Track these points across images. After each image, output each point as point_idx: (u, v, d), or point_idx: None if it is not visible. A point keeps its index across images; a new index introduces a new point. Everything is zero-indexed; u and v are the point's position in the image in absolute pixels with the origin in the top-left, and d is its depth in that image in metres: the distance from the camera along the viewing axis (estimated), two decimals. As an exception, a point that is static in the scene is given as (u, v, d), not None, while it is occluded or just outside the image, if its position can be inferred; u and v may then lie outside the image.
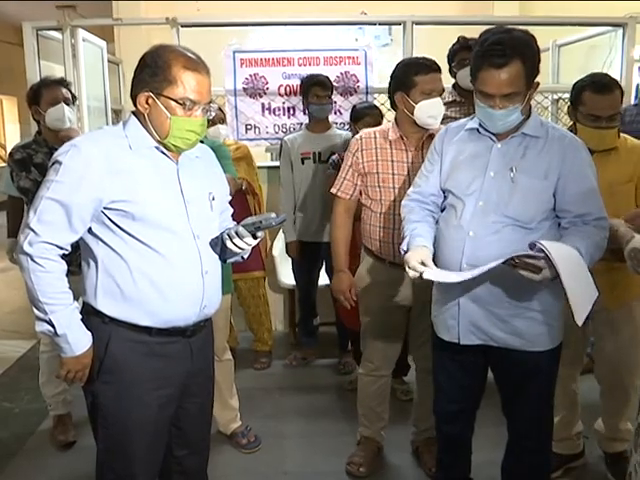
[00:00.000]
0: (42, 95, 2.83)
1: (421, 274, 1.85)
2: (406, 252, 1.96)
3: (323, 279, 3.83)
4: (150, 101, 1.66)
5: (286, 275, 4.02)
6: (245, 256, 1.94)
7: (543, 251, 1.73)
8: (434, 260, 1.95)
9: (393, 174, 2.46)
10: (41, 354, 3.03)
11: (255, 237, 1.77)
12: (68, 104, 2.85)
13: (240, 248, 1.78)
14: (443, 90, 2.41)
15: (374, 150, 2.50)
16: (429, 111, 2.37)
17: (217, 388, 2.86)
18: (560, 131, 1.98)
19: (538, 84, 1.89)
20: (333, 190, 2.61)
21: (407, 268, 1.90)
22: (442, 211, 2.09)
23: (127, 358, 1.73)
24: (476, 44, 1.86)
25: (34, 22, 3.92)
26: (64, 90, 2.87)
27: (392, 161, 2.47)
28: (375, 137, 2.52)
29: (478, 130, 1.98)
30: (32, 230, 1.61)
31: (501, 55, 1.77)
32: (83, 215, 1.63)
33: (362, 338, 2.74)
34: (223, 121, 3.66)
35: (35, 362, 3.16)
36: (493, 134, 1.94)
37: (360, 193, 2.57)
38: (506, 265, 1.78)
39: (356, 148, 2.54)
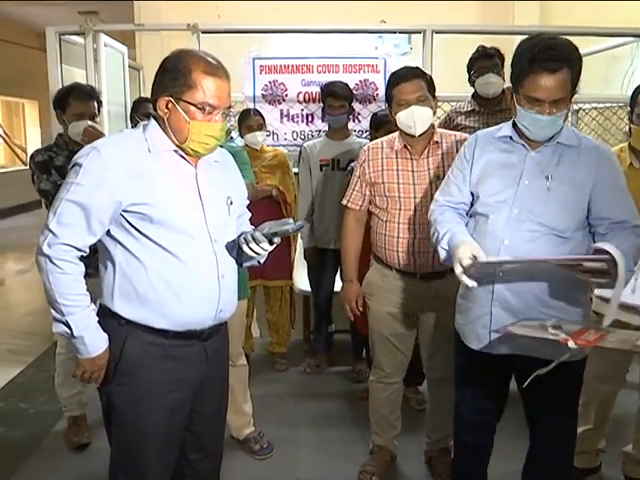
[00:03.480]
0: (70, 105, 2.84)
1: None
2: (447, 251, 1.95)
3: (339, 286, 3.81)
4: (170, 105, 1.67)
5: (302, 281, 4.02)
6: (261, 261, 1.94)
7: (609, 255, 1.69)
8: None
9: (398, 183, 2.46)
10: (57, 356, 3.04)
11: (271, 243, 1.78)
12: (93, 119, 2.86)
13: (256, 253, 1.78)
14: (423, 97, 2.37)
15: (380, 160, 2.51)
16: (405, 121, 2.39)
17: (231, 393, 2.87)
18: (592, 141, 1.99)
19: (576, 92, 1.89)
20: (343, 202, 2.64)
21: (458, 267, 1.84)
22: (471, 218, 2.07)
23: (142, 360, 1.73)
24: (520, 50, 1.85)
25: (57, 27, 3.97)
26: (92, 104, 2.88)
27: (397, 170, 2.47)
28: (382, 147, 2.53)
29: (511, 138, 1.96)
30: (51, 231, 1.63)
31: (555, 60, 1.77)
32: (102, 218, 1.64)
33: (370, 345, 2.74)
34: (262, 127, 3.69)
35: (51, 363, 3.19)
36: (527, 142, 1.93)
37: (370, 202, 2.58)
38: (560, 266, 1.76)
39: (363, 159, 2.55)
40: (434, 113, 2.44)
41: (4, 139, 10.30)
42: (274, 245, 1.80)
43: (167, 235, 1.68)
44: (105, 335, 1.72)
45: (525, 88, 1.84)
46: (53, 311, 1.68)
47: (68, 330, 1.67)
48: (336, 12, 5.18)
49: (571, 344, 1.69)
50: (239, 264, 1.91)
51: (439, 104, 4.19)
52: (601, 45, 4.65)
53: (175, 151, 1.73)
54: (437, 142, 2.46)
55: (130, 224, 1.67)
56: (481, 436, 2.23)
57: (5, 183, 10.03)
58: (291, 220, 1.76)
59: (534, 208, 1.90)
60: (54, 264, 1.63)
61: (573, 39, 1.87)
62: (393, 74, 2.48)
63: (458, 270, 1.85)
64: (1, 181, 10.31)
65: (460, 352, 2.16)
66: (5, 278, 6.96)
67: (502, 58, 3.45)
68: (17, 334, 4.70)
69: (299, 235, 3.89)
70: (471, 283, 1.84)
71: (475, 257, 1.82)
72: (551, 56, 1.77)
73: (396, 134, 2.51)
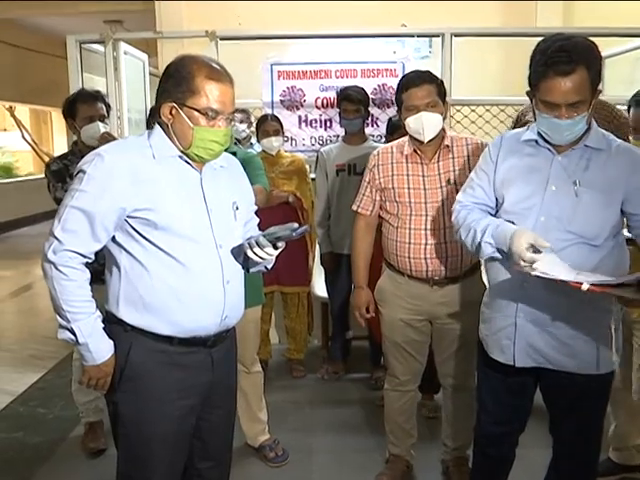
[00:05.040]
0: (78, 110, 2.88)
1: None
2: (492, 245, 1.86)
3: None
4: (174, 111, 1.67)
5: (320, 287, 4.00)
6: (269, 266, 1.92)
7: None
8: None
9: (408, 188, 2.42)
10: (74, 361, 3.06)
11: (276, 247, 1.76)
12: (103, 120, 2.90)
13: (261, 258, 1.76)
14: (433, 103, 2.34)
15: (390, 165, 2.47)
16: (414, 127, 2.35)
17: (246, 400, 2.89)
18: (625, 144, 1.89)
19: (600, 91, 1.80)
20: (354, 207, 2.61)
21: (522, 262, 1.73)
22: None
23: (147, 367, 1.72)
24: (535, 53, 1.78)
25: (77, 35, 4.01)
26: (100, 105, 2.92)
27: (407, 175, 2.44)
28: (392, 152, 2.50)
29: (536, 142, 1.88)
30: (56, 238, 1.63)
31: (567, 62, 1.69)
32: (106, 224, 1.64)
33: (384, 352, 2.70)
34: (278, 132, 3.68)
35: (71, 369, 3.20)
36: (552, 146, 1.85)
37: (380, 208, 2.55)
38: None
39: (373, 164, 2.52)
40: (444, 118, 2.40)
41: (33, 147, 10.47)
42: (279, 250, 1.78)
43: (171, 241, 1.67)
44: (111, 342, 1.72)
45: (541, 92, 1.76)
46: (58, 318, 1.68)
47: (73, 337, 1.67)
48: (355, 17, 5.15)
49: (584, 286, 1.59)
50: (246, 270, 1.89)
51: (459, 108, 4.19)
52: (627, 45, 4.55)
53: (180, 157, 1.72)
54: (448, 146, 2.42)
55: (135, 230, 1.66)
56: (503, 448, 2.17)
57: (34, 190, 10.19)
58: (296, 224, 1.73)
59: (562, 215, 1.82)
60: (59, 271, 1.63)
61: (597, 40, 1.79)
62: (403, 78, 2.45)
63: (521, 264, 1.73)
64: (30, 188, 10.48)
65: (483, 362, 2.10)
66: (33, 283, 7.07)
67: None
68: (40, 339, 4.76)
69: (316, 241, 3.88)
70: (538, 272, 1.71)
71: (533, 246, 1.72)
72: (563, 58, 1.69)
73: (406, 138, 2.48)
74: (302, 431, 3.21)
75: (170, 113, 1.67)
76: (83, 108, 2.89)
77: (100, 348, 1.70)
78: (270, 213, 3.33)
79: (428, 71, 2.44)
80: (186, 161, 1.72)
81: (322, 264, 3.81)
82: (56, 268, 1.63)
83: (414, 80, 2.36)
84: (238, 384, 2.78)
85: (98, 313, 1.71)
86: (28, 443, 3.14)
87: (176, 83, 1.65)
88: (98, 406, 3.08)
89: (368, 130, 3.93)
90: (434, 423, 3.12)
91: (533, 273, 1.71)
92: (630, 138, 2.38)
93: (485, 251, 1.91)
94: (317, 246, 3.90)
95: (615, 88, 4.45)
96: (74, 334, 1.66)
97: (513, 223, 1.87)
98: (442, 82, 2.42)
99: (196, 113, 1.65)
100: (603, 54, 4.93)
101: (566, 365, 1.90)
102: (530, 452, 2.28)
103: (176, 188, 1.69)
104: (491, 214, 1.99)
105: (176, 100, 1.65)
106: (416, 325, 2.53)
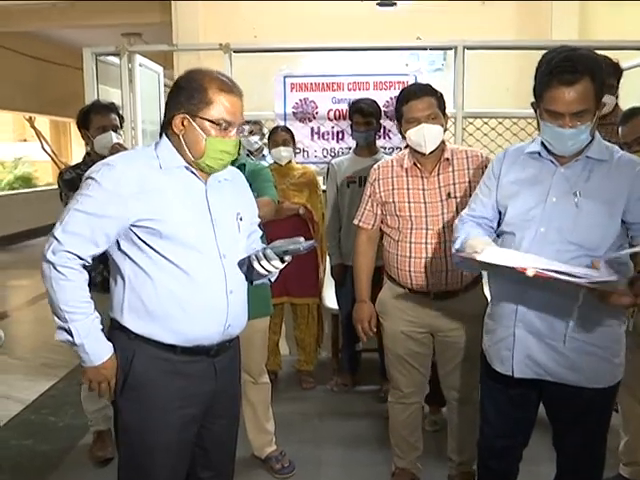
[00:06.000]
0: (91, 121, 2.93)
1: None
2: (458, 250, 1.89)
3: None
4: (185, 122, 1.69)
5: (330, 299, 3.99)
6: (272, 279, 1.92)
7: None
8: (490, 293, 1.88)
9: (409, 202, 2.42)
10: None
11: (283, 261, 1.77)
12: (116, 130, 2.94)
13: (267, 270, 1.77)
14: (434, 115, 2.34)
15: (390, 179, 2.47)
16: (415, 139, 2.35)
17: (253, 411, 2.90)
18: (627, 155, 1.89)
19: (605, 104, 1.82)
20: (355, 221, 2.61)
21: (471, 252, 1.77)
22: (498, 237, 2.00)
23: (150, 375, 1.73)
24: (540, 64, 1.80)
25: (93, 47, 4.08)
26: (113, 116, 2.96)
27: (408, 189, 2.43)
28: (392, 166, 2.49)
29: (539, 154, 1.89)
30: (56, 239, 1.65)
31: (571, 72, 1.71)
32: (107, 231, 1.66)
33: (386, 365, 2.69)
34: (288, 143, 3.71)
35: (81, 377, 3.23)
36: (555, 158, 1.86)
37: (381, 221, 2.54)
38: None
39: (374, 178, 2.52)
40: (445, 130, 2.40)
41: (52, 157, 10.62)
42: (285, 263, 1.80)
43: (176, 250, 1.69)
44: (109, 345, 1.73)
45: (545, 101, 1.78)
46: (56, 318, 1.69)
47: (70, 337, 1.68)
48: (368, 30, 5.18)
49: (530, 273, 1.58)
50: (249, 282, 1.90)
51: (471, 120, 4.19)
52: (641, 59, 4.52)
53: (186, 167, 1.74)
54: (447, 159, 2.41)
55: (139, 239, 1.68)
56: (506, 462, 2.15)
57: (53, 200, 10.31)
58: (302, 239, 1.76)
59: (562, 226, 1.82)
60: (58, 271, 1.65)
61: (612, 53, 1.80)
62: (402, 91, 2.44)
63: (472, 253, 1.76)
64: (49, 198, 10.61)
65: (486, 374, 2.09)
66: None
67: (620, 72, 3.24)
68: (53, 347, 4.79)
69: (327, 253, 3.88)
70: (483, 256, 1.72)
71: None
72: (568, 67, 1.71)
73: (406, 152, 2.48)
74: (310, 443, 3.20)
75: (182, 124, 1.70)
76: (96, 119, 2.93)
77: (97, 350, 1.71)
78: (281, 225, 3.36)
79: (429, 84, 2.46)
80: (192, 172, 1.75)
81: (332, 276, 3.81)
82: (55, 268, 1.65)
83: (415, 92, 2.37)
84: (245, 395, 2.83)
85: (96, 315, 1.72)
86: (38, 451, 3.16)
87: (188, 95, 1.68)
88: (107, 415, 3.08)
89: (380, 142, 3.93)
90: (441, 436, 3.09)
91: (478, 257, 1.72)
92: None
93: (454, 259, 1.94)
94: (327, 258, 3.91)
95: (630, 101, 4.42)
96: (71, 335, 1.68)
97: (514, 235, 1.88)
98: (442, 95, 2.42)
99: (208, 124, 1.68)
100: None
101: (567, 378, 1.88)
102: (535, 467, 2.26)
103: (182, 198, 1.71)
104: (491, 227, 2.00)
105: (188, 111, 1.68)
106: (417, 337, 2.52)
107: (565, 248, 1.80)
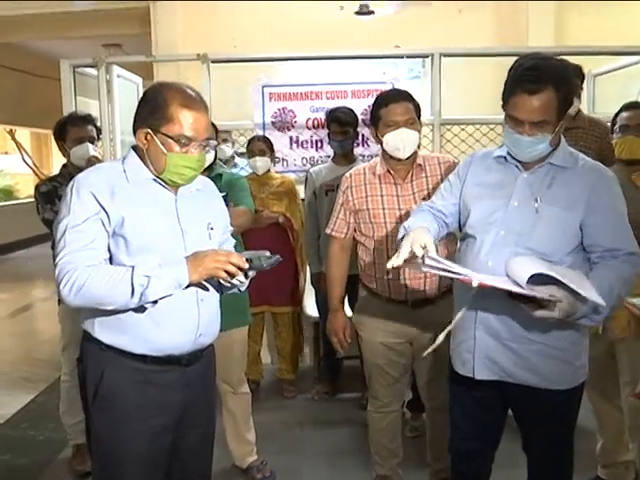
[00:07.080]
0: (68, 132, 2.93)
1: (423, 259, 1.72)
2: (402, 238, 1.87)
3: (348, 312, 3.78)
4: (148, 137, 1.70)
5: (311, 307, 4.00)
6: (242, 289, 1.91)
7: (551, 277, 1.61)
8: None
9: (383, 209, 2.42)
10: (62, 383, 3.05)
11: (246, 276, 1.76)
12: (92, 142, 2.94)
13: (231, 284, 1.76)
14: (412, 121, 2.35)
15: (364, 186, 2.46)
16: (393, 143, 2.35)
17: (233, 421, 2.89)
18: (590, 162, 1.90)
19: (570, 116, 1.82)
20: (327, 230, 2.59)
21: (401, 252, 1.78)
22: (462, 241, 2.03)
23: (121, 386, 1.73)
24: (511, 69, 1.82)
25: (71, 59, 4.07)
26: (89, 128, 2.96)
27: (382, 196, 2.43)
28: (365, 173, 2.49)
29: (505, 158, 1.91)
30: (69, 266, 1.61)
31: (534, 81, 1.72)
32: (102, 233, 1.66)
33: (366, 374, 2.68)
34: (264, 153, 3.70)
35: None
36: (520, 163, 1.88)
37: (355, 230, 2.53)
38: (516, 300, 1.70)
39: (346, 185, 2.51)
40: (419, 138, 2.42)
41: (33, 170, 10.54)
42: (249, 278, 1.79)
43: (145, 259, 1.67)
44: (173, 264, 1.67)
45: (508, 107, 1.80)
46: (133, 299, 1.62)
47: (159, 290, 1.63)
48: (346, 38, 5.22)
49: (475, 283, 1.61)
50: (220, 292, 1.88)
51: (449, 127, 4.22)
52: (618, 63, 4.59)
53: (154, 180, 1.74)
54: (420, 165, 2.42)
55: (108, 250, 1.68)
56: (476, 464, 2.15)
57: (35, 213, 10.22)
58: (268, 252, 1.74)
59: (521, 230, 1.84)
60: (84, 283, 1.60)
61: (588, 58, 1.81)
62: (380, 95, 2.45)
63: (398, 257, 1.77)
64: (31, 210, 10.52)
65: (451, 378, 2.10)
66: (30, 305, 7.09)
67: (582, 76, 3.25)
68: (33, 361, 4.77)
69: (307, 261, 3.88)
70: (397, 262, 1.76)
71: (426, 248, 1.76)
72: (531, 77, 1.72)
73: (377, 159, 2.48)
74: (291, 452, 3.19)
75: (145, 139, 1.70)
76: (73, 130, 2.93)
77: (172, 269, 1.65)
78: (260, 234, 3.37)
79: (406, 90, 2.46)
80: (159, 183, 1.75)
81: (312, 284, 3.81)
82: (77, 282, 1.59)
83: (394, 96, 2.38)
84: (225, 404, 2.83)
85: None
86: (15, 465, 3.13)
87: (151, 110, 1.68)
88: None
89: (358, 150, 3.95)
90: (422, 442, 3.09)
91: (423, 268, 1.73)
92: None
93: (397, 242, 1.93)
94: (308, 266, 3.91)
95: (605, 106, 4.48)
96: (156, 288, 1.63)
97: (475, 238, 1.91)
98: (418, 104, 2.43)
99: (169, 140, 1.68)
100: (594, 72, 4.97)
101: (527, 380, 1.90)
102: (514, 470, 2.26)
103: (150, 209, 1.72)
104: (445, 222, 2.03)
105: (151, 126, 1.69)
106: (396, 348, 2.50)
107: (522, 252, 1.81)
